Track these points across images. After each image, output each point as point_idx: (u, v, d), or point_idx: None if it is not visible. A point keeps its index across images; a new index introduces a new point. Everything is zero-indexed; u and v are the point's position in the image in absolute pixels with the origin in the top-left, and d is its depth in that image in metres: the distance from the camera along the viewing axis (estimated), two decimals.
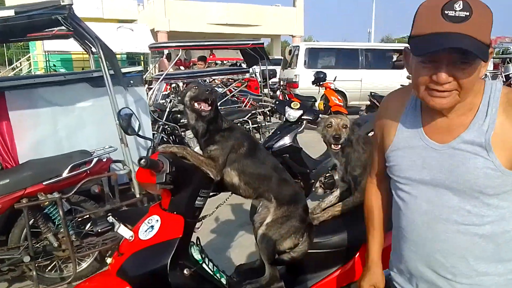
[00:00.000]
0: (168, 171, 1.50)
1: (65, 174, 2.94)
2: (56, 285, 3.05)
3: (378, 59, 13.20)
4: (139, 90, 3.82)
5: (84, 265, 3.27)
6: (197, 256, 1.79)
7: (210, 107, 1.73)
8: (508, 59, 17.37)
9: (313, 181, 4.32)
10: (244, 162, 1.81)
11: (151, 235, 1.60)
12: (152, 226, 1.63)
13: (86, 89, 3.58)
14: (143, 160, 1.40)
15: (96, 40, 2.99)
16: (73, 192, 2.95)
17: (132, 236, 1.65)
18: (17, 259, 2.91)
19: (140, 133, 2.78)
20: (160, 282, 1.56)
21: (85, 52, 4.34)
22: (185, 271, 1.65)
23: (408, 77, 9.63)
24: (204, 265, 1.78)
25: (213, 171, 1.70)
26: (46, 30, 3.79)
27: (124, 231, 1.65)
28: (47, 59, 17.19)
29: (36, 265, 2.98)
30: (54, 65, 17.16)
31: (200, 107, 1.72)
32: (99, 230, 1.62)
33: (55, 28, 3.84)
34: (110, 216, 1.66)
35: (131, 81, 3.72)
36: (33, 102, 3.39)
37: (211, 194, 1.87)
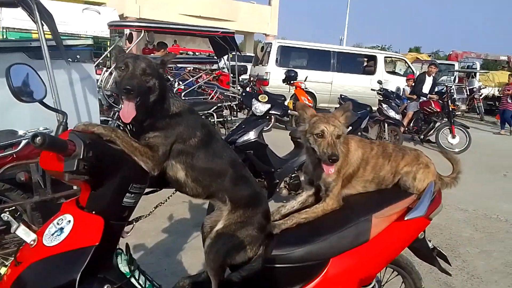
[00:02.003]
0: (81, 156, 1.11)
1: None
2: None
3: (349, 63, 13.10)
4: (86, 66, 3.34)
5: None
6: (124, 268, 1.40)
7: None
8: (472, 74, 17.89)
9: (277, 181, 4.02)
10: (195, 154, 1.44)
11: (58, 241, 1.20)
12: (61, 229, 1.23)
13: (22, 60, 3.06)
14: (39, 137, 1.00)
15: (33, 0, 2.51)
16: None
17: (34, 241, 1.24)
18: None
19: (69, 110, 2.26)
20: None
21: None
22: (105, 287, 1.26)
23: (379, 82, 9.59)
24: (132, 280, 1.40)
25: (149, 163, 1.32)
26: None
27: (24, 233, 1.24)
28: (4, 37, 16.01)
29: None
30: (10, 39, 16.01)
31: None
32: None
33: None
34: (7, 213, 1.24)
35: (78, 56, 3.24)
36: None
37: (148, 190, 1.49)
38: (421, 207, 1.67)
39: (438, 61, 16.09)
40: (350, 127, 4.75)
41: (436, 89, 9.68)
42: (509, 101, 11.42)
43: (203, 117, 5.97)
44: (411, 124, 9.16)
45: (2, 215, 1.23)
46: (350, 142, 1.71)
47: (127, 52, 1.52)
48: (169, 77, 8.53)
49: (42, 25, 2.80)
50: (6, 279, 1.27)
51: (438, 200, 1.83)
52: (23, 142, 2.63)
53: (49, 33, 3.13)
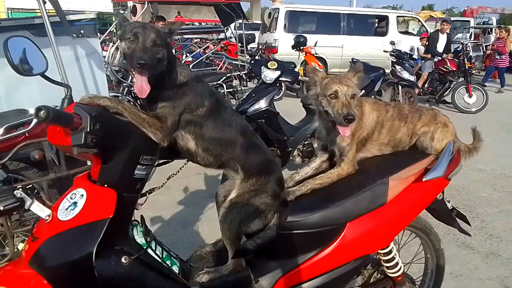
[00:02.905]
0: (88, 129, 1.08)
1: None
2: None
3: (360, 25, 12.68)
4: (91, 41, 3.28)
5: None
6: (140, 239, 1.40)
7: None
8: (488, 30, 17.20)
9: (290, 149, 3.99)
10: (204, 124, 1.40)
11: (73, 215, 1.20)
12: (75, 203, 1.22)
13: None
14: (42, 111, 0.97)
15: None
16: (8, 157, 2.47)
17: (49, 216, 1.24)
18: None
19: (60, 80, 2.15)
20: (84, 275, 1.18)
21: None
22: (123, 259, 1.27)
23: (391, 43, 9.30)
24: (149, 250, 1.40)
25: (158, 134, 1.29)
26: None
27: (38, 209, 1.24)
28: (9, 17, 15.96)
29: None
30: (13, 17, 16.01)
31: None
32: (2, 208, 1.18)
33: None
34: (19, 190, 1.24)
35: (82, 31, 3.18)
36: None
37: (160, 162, 1.47)
38: (440, 167, 1.62)
39: (453, 18, 15.50)
40: (363, 91, 4.64)
41: (451, 47, 9.35)
42: (497, 57, 10.82)
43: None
44: (426, 85, 8.91)
45: (15, 192, 1.23)
46: (364, 105, 1.64)
47: None
48: (175, 49, 8.42)
49: (44, 2, 2.74)
50: (24, 254, 1.28)
51: (457, 160, 1.78)
52: (34, 120, 2.63)
53: (53, 10, 3.08)
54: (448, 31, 9.32)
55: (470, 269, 2.78)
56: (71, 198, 1.25)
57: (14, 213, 2.42)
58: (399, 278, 1.78)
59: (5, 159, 2.49)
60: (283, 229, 1.48)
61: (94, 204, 1.20)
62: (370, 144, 1.69)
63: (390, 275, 1.76)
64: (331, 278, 1.54)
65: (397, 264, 1.74)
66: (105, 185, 1.23)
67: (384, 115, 1.68)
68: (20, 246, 1.30)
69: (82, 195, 1.23)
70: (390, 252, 1.70)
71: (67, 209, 1.22)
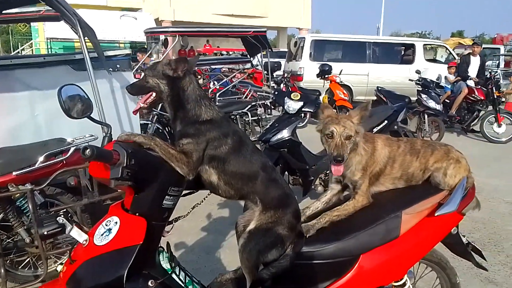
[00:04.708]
0: (125, 164, 1.23)
1: (38, 163, 2.67)
2: (27, 284, 2.79)
3: (386, 53, 12.77)
4: (126, 75, 3.54)
5: (61, 262, 3.01)
6: (165, 265, 1.52)
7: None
8: None
9: (312, 178, 4.06)
10: (226, 160, 1.52)
11: (107, 240, 1.34)
12: (109, 229, 1.36)
13: (67, 72, 3.30)
14: (88, 150, 1.13)
15: (75, 17, 2.70)
16: (46, 183, 2.66)
17: (86, 241, 1.38)
18: None
19: (98, 119, 2.40)
20: None
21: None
22: (149, 283, 1.39)
23: (417, 72, 9.29)
24: (173, 275, 1.51)
25: (185, 168, 1.43)
26: (31, 11, 3.56)
27: (77, 234, 1.38)
28: (49, 47, 16.94)
29: (8, 261, 2.74)
30: (56, 53, 16.95)
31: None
32: (45, 233, 1.33)
33: (42, 9, 3.61)
34: (61, 217, 1.40)
35: (118, 65, 3.44)
36: (10, 84, 3.12)
37: (185, 192, 1.60)
38: (453, 202, 1.67)
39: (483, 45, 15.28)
40: (386, 121, 4.69)
41: (485, 71, 9.12)
42: None
43: (235, 120, 6.11)
44: (454, 112, 8.71)
45: (58, 218, 1.39)
46: (376, 141, 1.73)
47: (164, 55, 1.69)
48: (203, 77, 8.71)
49: (85, 38, 3.00)
50: (62, 276, 1.42)
51: (471, 195, 1.82)
52: (72, 149, 2.82)
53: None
54: (479, 53, 9.15)
55: None
56: (106, 225, 1.39)
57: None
58: None
59: (44, 185, 2.69)
60: (299, 259, 1.57)
61: (126, 231, 1.34)
62: (383, 178, 1.77)
63: None
64: None
65: None
66: (137, 214, 1.37)
67: (396, 150, 1.76)
68: (59, 268, 1.45)
69: (116, 223, 1.37)
70: (404, 285, 1.75)
71: (102, 234, 1.36)
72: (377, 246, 1.60)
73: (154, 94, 1.53)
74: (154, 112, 5.52)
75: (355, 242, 1.59)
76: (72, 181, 2.75)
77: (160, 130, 5.69)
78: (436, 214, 1.65)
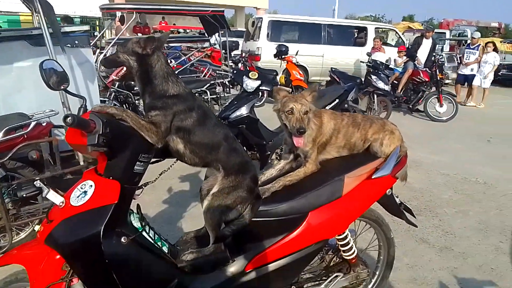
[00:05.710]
0: (101, 132, 1.37)
1: None
2: None
3: (340, 36, 13.17)
4: (84, 51, 3.54)
5: (22, 234, 3.05)
6: (136, 224, 1.69)
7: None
8: (463, 42, 17.98)
9: (269, 152, 4.29)
10: (192, 131, 1.69)
11: (83, 201, 1.48)
12: (85, 192, 1.51)
13: (25, 47, 3.27)
14: (69, 118, 1.26)
15: None
16: (7, 157, 2.70)
17: (62, 202, 1.52)
18: None
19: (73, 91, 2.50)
20: (93, 250, 1.46)
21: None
22: (122, 239, 1.55)
23: (368, 54, 9.74)
24: (144, 233, 1.69)
25: (154, 137, 1.58)
26: None
27: (53, 197, 1.51)
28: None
29: None
30: (0, 26, 15.89)
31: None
32: (24, 195, 1.45)
33: None
34: (38, 181, 1.51)
35: (76, 41, 3.44)
36: None
37: (154, 160, 1.75)
38: (387, 167, 1.96)
39: None
40: (337, 100, 4.99)
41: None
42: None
43: (197, 95, 6.20)
44: (401, 92, 9.27)
45: (35, 182, 1.50)
46: (323, 115, 1.97)
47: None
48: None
49: (38, 12, 2.96)
50: (39, 235, 1.55)
51: (403, 162, 2.12)
52: (33, 123, 2.87)
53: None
54: (431, 36, 9.69)
55: (424, 261, 3.12)
56: (81, 188, 1.53)
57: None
58: (353, 261, 2.11)
59: (5, 159, 2.72)
60: (256, 217, 1.79)
61: (101, 192, 1.49)
62: (329, 147, 2.02)
63: (346, 258, 2.09)
64: (296, 258, 1.85)
65: (351, 248, 2.07)
66: (110, 178, 1.52)
67: (340, 123, 2.01)
68: (36, 227, 1.57)
69: (91, 186, 1.51)
70: (345, 238, 2.03)
71: (78, 196, 1.50)
72: (323, 205, 1.86)
73: (125, 68, 1.66)
74: (112, 90, 5.50)
75: (304, 201, 1.83)
76: (34, 155, 2.80)
77: (118, 106, 5.68)
78: (373, 177, 1.93)
